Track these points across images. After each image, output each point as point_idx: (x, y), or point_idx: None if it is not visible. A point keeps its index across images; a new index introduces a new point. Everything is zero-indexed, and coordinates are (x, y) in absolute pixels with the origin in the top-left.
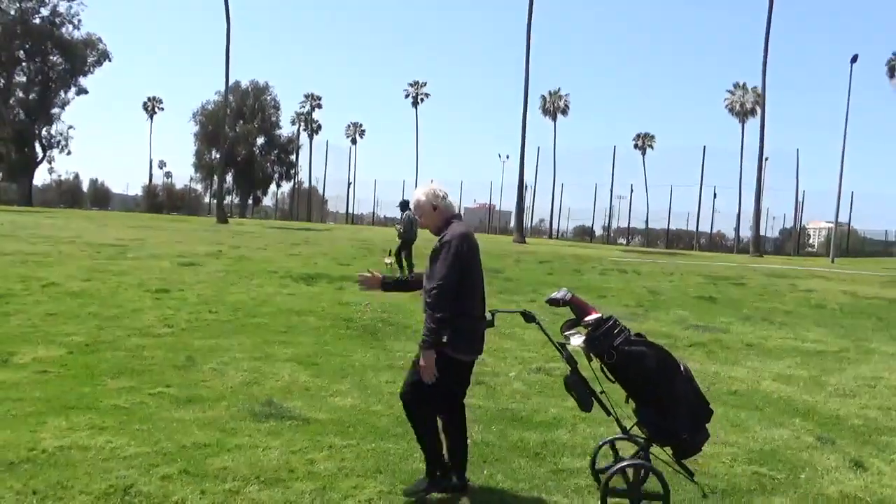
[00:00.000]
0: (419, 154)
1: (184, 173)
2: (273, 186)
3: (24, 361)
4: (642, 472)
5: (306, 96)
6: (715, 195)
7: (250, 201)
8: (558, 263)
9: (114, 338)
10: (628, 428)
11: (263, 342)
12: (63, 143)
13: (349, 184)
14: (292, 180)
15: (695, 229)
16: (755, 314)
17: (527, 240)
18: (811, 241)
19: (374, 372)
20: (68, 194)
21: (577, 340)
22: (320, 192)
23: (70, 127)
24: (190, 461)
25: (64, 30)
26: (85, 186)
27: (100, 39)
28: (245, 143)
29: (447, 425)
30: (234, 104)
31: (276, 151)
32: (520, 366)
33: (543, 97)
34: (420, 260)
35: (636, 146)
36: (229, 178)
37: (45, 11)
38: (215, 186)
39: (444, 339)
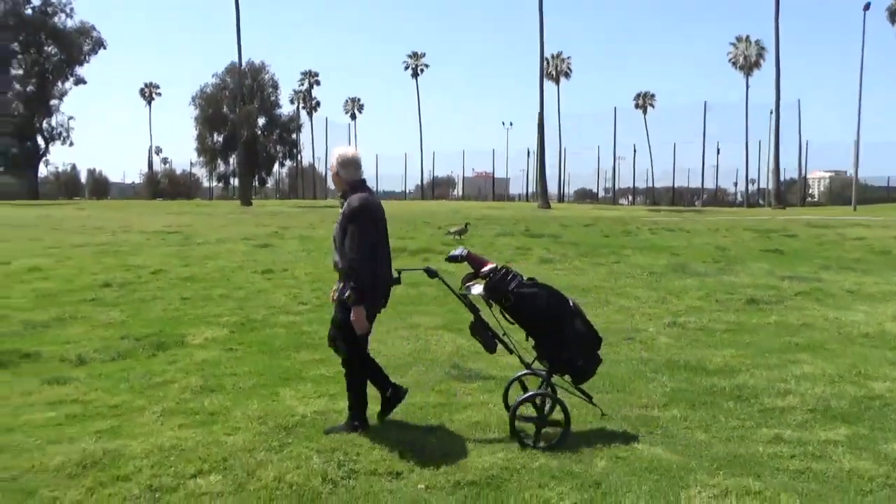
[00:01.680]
0: (422, 126)
1: (181, 159)
2: (276, 166)
3: (198, 342)
4: (547, 401)
5: (304, 74)
6: (718, 151)
7: (255, 182)
8: (603, 226)
9: (262, 317)
10: (530, 363)
11: (398, 315)
12: (65, 134)
13: None
14: (295, 159)
15: (699, 186)
16: (831, 263)
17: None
18: (811, 191)
19: (521, 332)
20: (66, 185)
21: (476, 289)
22: (319, 170)
23: (70, 118)
24: (441, 418)
25: (57, 19)
26: (83, 177)
27: (93, 27)
28: (246, 124)
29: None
30: (232, 86)
31: (277, 131)
32: (650, 322)
33: (546, 60)
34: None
35: (637, 106)
36: (233, 159)
37: (36, 1)
38: (219, 170)
39: (346, 294)
